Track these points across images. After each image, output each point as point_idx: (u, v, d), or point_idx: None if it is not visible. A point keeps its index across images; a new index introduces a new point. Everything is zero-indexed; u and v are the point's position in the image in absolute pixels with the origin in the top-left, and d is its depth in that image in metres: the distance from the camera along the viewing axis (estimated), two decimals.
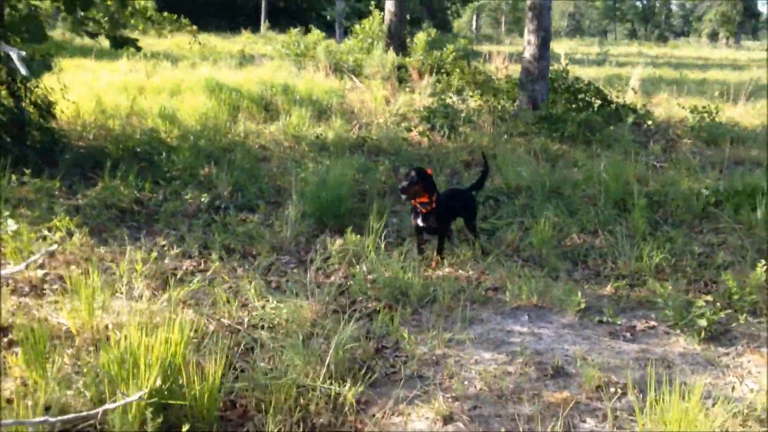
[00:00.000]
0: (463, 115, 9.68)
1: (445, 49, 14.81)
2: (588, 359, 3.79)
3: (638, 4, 74.10)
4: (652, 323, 4.25)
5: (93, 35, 7.57)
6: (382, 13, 15.72)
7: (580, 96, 10.73)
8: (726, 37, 59.76)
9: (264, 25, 38.88)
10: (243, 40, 26.14)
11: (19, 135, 7.02)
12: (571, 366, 3.73)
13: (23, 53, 2.91)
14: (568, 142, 8.99)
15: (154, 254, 4.69)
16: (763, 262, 4.42)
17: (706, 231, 5.82)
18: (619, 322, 4.26)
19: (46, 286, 4.47)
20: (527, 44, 10.48)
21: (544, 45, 10.39)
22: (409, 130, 9.39)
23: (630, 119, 9.76)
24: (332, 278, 4.89)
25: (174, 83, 11.76)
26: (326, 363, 3.45)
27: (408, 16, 17.79)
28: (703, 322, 3.95)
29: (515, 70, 14.40)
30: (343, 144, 8.70)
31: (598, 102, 10.66)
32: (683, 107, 10.80)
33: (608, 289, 4.77)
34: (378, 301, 4.50)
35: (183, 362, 3.15)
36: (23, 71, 2.77)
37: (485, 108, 10.25)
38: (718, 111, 10.23)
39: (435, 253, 5.24)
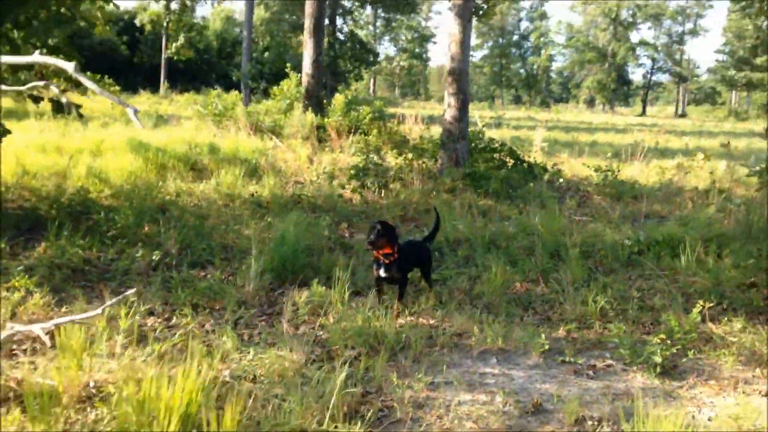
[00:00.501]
0: (392, 173, 10.06)
1: (361, 110, 15.34)
2: (561, 396, 4.10)
3: (522, 71, 78.55)
4: (609, 362, 4.63)
5: (36, 100, 7.45)
6: (299, 75, 16.10)
7: (495, 155, 11.39)
8: (602, 103, 64.27)
9: (164, 85, 38.56)
10: (143, 101, 25.84)
11: None
12: (548, 403, 4.02)
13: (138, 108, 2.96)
14: (492, 198, 9.51)
15: (124, 311, 4.68)
16: (700, 303, 4.91)
17: (634, 278, 6.35)
18: (580, 362, 4.61)
19: (15, 346, 4.37)
20: (448, 107, 11.07)
21: (463, 107, 11.01)
22: (342, 187, 9.67)
23: (545, 177, 10.46)
24: (301, 329, 5.03)
25: (93, 143, 11.56)
26: (329, 407, 3.59)
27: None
28: (657, 359, 4.37)
29: (428, 130, 15.17)
30: (279, 201, 8.85)
31: (511, 161, 11.35)
32: (588, 166, 11.65)
33: (561, 332, 5.13)
34: (353, 349, 4.66)
35: (197, 411, 3.22)
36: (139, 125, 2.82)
37: (409, 166, 10.69)
38: (619, 170, 11.11)
39: (396, 302, 5.47)
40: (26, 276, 5.09)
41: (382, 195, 9.70)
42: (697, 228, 7.28)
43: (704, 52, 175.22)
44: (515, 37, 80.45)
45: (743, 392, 4.17)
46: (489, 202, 9.34)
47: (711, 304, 5.26)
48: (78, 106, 7.19)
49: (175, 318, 5.06)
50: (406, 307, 5.45)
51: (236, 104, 15.79)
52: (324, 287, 5.49)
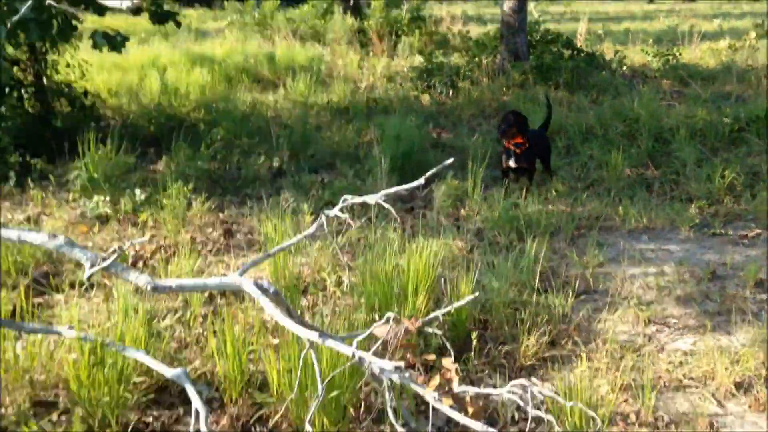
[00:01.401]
0: (461, 71, 10.06)
1: (401, 9, 15.10)
2: (729, 263, 4.36)
3: None
4: (757, 230, 4.88)
5: (136, 12, 7.42)
6: None
7: (554, 48, 11.31)
8: None
9: None
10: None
11: (45, 115, 6.92)
12: (720, 269, 4.29)
13: None
14: (564, 90, 9.54)
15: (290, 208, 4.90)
16: None
17: (742, 155, 6.50)
18: (730, 233, 4.86)
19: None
20: None
21: None
22: (425, 89, 9.65)
23: (614, 65, 10.46)
24: (450, 220, 5.24)
25: (149, 59, 11.50)
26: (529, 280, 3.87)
27: None
28: None
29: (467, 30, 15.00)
30: (357, 107, 8.90)
31: (568, 52, 11.27)
32: (647, 52, 11.57)
33: (692, 209, 5.33)
34: (508, 235, 4.88)
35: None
36: None
37: (471, 64, 10.66)
38: (680, 53, 11.07)
39: (525, 191, 5.66)
40: (183, 184, 5.28)
41: (450, 95, 9.73)
42: None
43: None
44: None
45: None
46: (562, 94, 9.37)
47: None
48: (176, 14, 7.13)
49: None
50: (537, 195, 5.65)
51: (275, 12, 15.53)
52: (457, 180, 5.68)
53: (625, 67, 10.85)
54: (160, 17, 6.97)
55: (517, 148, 5.57)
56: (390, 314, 2.32)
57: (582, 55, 11.21)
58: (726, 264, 4.36)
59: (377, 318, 3.05)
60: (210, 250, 4.72)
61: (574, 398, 2.78)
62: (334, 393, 2.72)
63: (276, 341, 3.26)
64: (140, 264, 4.47)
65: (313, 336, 2.32)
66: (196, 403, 2.44)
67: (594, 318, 3.78)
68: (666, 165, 6.33)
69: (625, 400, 3.02)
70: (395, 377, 2.19)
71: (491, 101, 9.29)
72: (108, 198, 5.25)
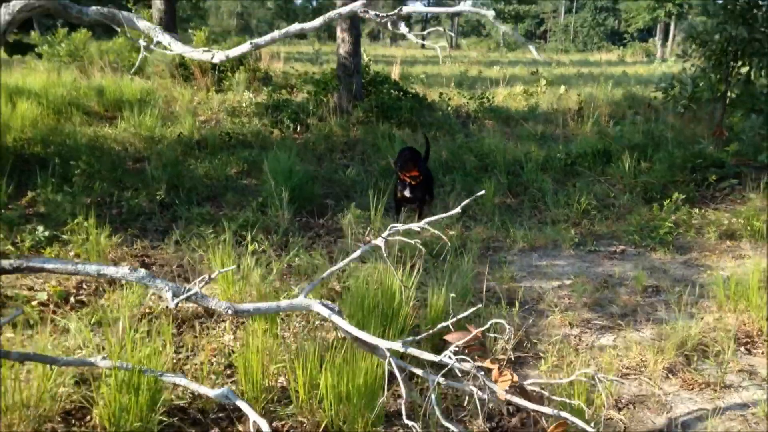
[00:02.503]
0: (311, 108, 10.40)
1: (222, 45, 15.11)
2: (615, 274, 5.13)
3: (308, 6, 78.50)
4: (622, 247, 5.75)
5: None
6: (148, 10, 15.38)
7: (383, 88, 12.08)
8: (389, 38, 66.60)
9: None
10: None
11: None
12: (610, 280, 5.03)
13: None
14: (405, 127, 10.25)
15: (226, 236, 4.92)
16: (675, 194, 6.14)
17: (580, 184, 7.53)
18: (602, 249, 5.68)
19: None
20: (341, 42, 11.48)
21: (356, 42, 11.51)
22: (273, 125, 9.83)
23: (442, 105, 11.42)
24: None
25: None
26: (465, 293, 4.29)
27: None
28: (669, 238, 5.55)
29: (283, 68, 15.41)
30: (215, 141, 8.88)
31: (394, 93, 12.11)
32: (463, 95, 12.77)
33: (571, 230, 6.12)
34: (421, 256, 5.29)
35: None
36: None
37: (313, 101, 11.06)
38: (493, 96, 12.39)
39: (417, 218, 6.13)
40: (83, 218, 5.03)
41: (298, 130, 10.04)
42: (598, 143, 8.60)
43: None
44: None
45: (732, 257, 5.49)
46: (406, 132, 10.05)
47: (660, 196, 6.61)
48: (34, 45, 6.70)
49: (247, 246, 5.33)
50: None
51: (86, 43, 14.75)
52: (359, 210, 5.99)
53: (450, 108, 11.85)
54: (16, 48, 6.53)
55: (412, 180, 6.02)
56: (448, 323, 2.59)
57: (409, 96, 12.07)
58: (613, 275, 5.12)
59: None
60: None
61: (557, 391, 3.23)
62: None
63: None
64: (71, 299, 4.23)
65: (396, 345, 2.52)
66: (254, 416, 2.52)
67: (533, 324, 4.28)
68: (523, 194, 7.15)
69: (592, 387, 3.52)
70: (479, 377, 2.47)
71: (341, 137, 9.71)
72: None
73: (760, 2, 7.28)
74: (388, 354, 2.53)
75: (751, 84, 7.56)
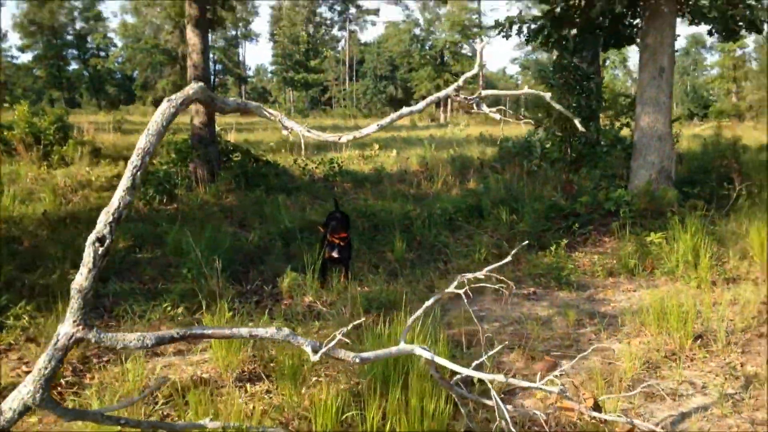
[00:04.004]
0: (176, 179, 10.29)
1: (43, 119, 14.36)
2: (540, 313, 5.85)
3: (85, 73, 75.11)
4: (532, 288, 6.53)
5: None
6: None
7: (235, 156, 12.28)
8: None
9: None
10: None
11: None
12: (542, 317, 5.74)
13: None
14: (273, 193, 10.53)
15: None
16: (561, 241, 7.09)
17: (463, 236, 8.32)
18: (517, 293, 6.41)
19: None
20: (195, 113, 11.56)
21: (210, 113, 11.63)
22: (145, 199, 9.59)
23: (301, 171, 11.85)
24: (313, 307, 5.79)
25: None
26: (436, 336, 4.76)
27: None
28: (573, 278, 6.43)
29: (106, 139, 15.02)
30: (87, 216, 8.54)
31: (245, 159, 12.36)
32: (312, 161, 13.29)
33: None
34: (369, 312, 5.66)
35: None
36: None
37: (173, 171, 10.97)
38: (342, 161, 13.07)
39: (343, 278, 6.49)
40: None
41: (164, 201, 9.92)
42: (466, 199, 9.55)
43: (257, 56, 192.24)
44: (69, 38, 76.27)
45: (621, 291, 6.49)
46: (280, 198, 10.30)
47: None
48: None
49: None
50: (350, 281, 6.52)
51: None
52: (295, 273, 6.22)
53: (307, 174, 12.30)
54: None
55: (341, 242, 6.38)
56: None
57: (261, 163, 12.38)
58: (538, 313, 5.84)
59: None
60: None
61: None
62: None
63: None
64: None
65: (500, 377, 2.93)
66: None
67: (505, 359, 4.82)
68: (419, 248, 7.77)
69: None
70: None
71: (214, 205, 9.75)
72: None
73: (590, 76, 8.71)
74: (490, 385, 2.93)
75: (595, 145, 8.95)
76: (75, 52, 75.40)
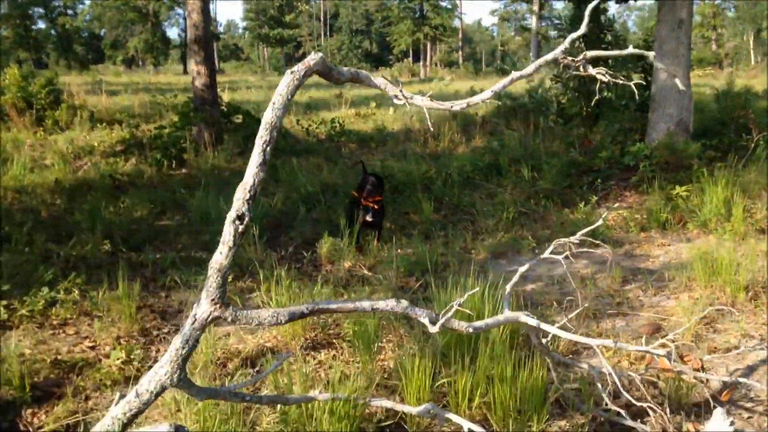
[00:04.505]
0: (184, 144, 10.10)
1: (33, 82, 13.98)
2: (579, 270, 5.88)
3: (52, 32, 73.03)
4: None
5: None
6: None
7: (236, 117, 12.07)
8: (153, 64, 64.21)
9: None
10: None
11: None
12: (583, 275, 5.77)
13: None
14: (285, 155, 10.38)
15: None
16: (593, 196, 7.08)
17: (484, 196, 8.29)
18: (556, 250, 6.41)
19: None
20: (197, 75, 11.30)
21: (212, 74, 11.40)
22: (155, 162, 9.42)
23: (304, 132, 11.70)
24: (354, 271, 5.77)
25: None
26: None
27: None
28: (607, 235, 6.46)
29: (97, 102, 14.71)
30: (102, 185, 8.39)
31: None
32: (314, 122, 13.09)
33: (506, 237, 6.80)
34: (411, 275, 5.66)
35: None
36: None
37: (174, 135, 10.75)
38: (343, 121, 12.91)
39: (376, 241, 6.46)
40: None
41: (173, 166, 9.77)
42: (483, 157, 9.49)
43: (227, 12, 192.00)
44: None
45: (656, 246, 6.54)
46: (294, 161, 10.16)
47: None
48: None
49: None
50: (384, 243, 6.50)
51: None
52: (332, 238, 6.18)
53: (311, 135, 12.13)
54: None
55: (375, 206, 6.33)
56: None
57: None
58: (578, 273, 5.86)
59: None
60: None
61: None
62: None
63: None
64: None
65: (608, 342, 2.93)
66: (467, 424, 2.83)
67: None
68: (443, 209, 7.75)
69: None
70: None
71: (226, 169, 9.62)
72: None
73: (607, 28, 8.65)
74: (599, 351, 2.94)
75: (614, 100, 8.93)
76: (41, 10, 73.05)
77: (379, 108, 15.80)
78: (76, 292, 4.83)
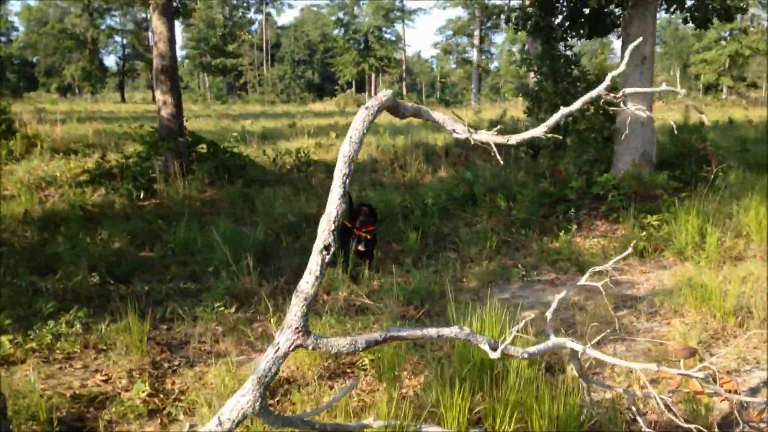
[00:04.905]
0: (153, 174, 9.95)
1: None
2: (572, 299, 6.05)
3: None
4: (553, 275, 6.72)
5: None
6: None
7: (199, 148, 11.95)
8: (90, 92, 62.75)
9: None
10: None
11: None
12: (574, 302, 5.94)
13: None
14: (255, 186, 10.34)
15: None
16: (573, 226, 7.32)
17: (461, 225, 8.45)
18: (541, 279, 6.59)
19: None
20: (163, 104, 11.17)
21: (178, 104, 11.30)
22: (127, 194, 9.24)
23: (271, 162, 11.69)
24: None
25: None
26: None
27: None
28: (591, 262, 6.67)
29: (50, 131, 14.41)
30: (73, 216, 8.19)
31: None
32: (276, 152, 13.03)
33: (492, 265, 6.94)
34: (410, 304, 5.73)
35: None
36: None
37: (139, 166, 10.57)
38: (308, 150, 12.93)
39: (368, 270, 6.51)
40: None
41: (142, 197, 9.61)
42: (455, 186, 9.67)
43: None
44: None
45: (638, 272, 6.77)
46: (252, 190, 10.13)
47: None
48: None
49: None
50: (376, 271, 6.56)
51: None
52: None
53: (276, 165, 12.09)
54: None
55: (368, 235, 6.39)
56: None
57: (229, 155, 12.09)
58: (570, 300, 6.03)
59: None
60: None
61: None
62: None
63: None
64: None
65: (651, 366, 3.06)
66: None
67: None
68: (423, 238, 7.86)
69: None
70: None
71: (197, 199, 9.52)
72: None
73: (576, 63, 9.00)
74: (641, 374, 3.06)
75: (585, 132, 9.25)
76: None
77: (338, 138, 15.86)
78: (78, 325, 4.71)
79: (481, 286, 6.36)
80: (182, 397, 4.02)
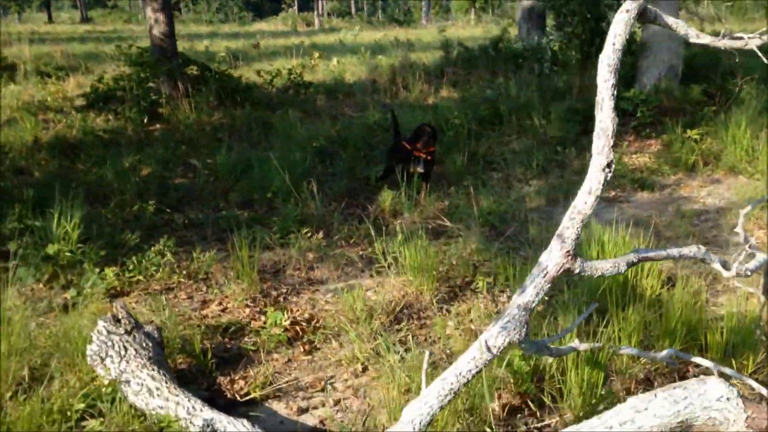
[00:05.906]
0: (155, 97, 9.39)
1: None
2: (641, 214, 5.99)
3: None
4: (613, 193, 6.61)
5: None
6: None
7: (189, 69, 11.33)
8: (18, 12, 58.99)
9: None
10: None
11: None
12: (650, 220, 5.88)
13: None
14: (260, 109, 9.88)
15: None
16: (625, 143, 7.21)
17: (513, 139, 8.25)
18: (606, 195, 6.49)
19: None
20: (154, 23, 10.47)
21: (170, 22, 10.61)
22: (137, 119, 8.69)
23: (278, 83, 11.19)
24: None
25: None
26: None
27: None
28: (651, 180, 6.61)
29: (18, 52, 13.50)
30: (93, 143, 7.70)
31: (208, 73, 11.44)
32: (266, 71, 12.44)
33: (541, 184, 6.83)
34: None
35: None
36: None
37: (138, 87, 9.95)
38: (301, 71, 12.39)
39: (423, 192, 6.31)
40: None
41: (146, 121, 9.08)
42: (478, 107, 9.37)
43: None
44: None
45: (697, 187, 6.76)
46: (263, 113, 9.69)
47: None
48: None
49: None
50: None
51: None
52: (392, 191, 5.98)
53: (274, 87, 11.57)
54: None
55: (428, 156, 6.16)
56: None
57: (222, 76, 11.50)
58: (640, 216, 5.95)
59: None
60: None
61: None
62: None
63: None
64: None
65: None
66: (706, 362, 2.85)
67: None
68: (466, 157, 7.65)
69: None
70: None
71: (208, 123, 9.08)
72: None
73: None
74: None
75: None
76: None
77: (320, 59, 15.26)
78: (169, 254, 4.42)
79: (545, 205, 6.25)
80: (316, 325, 3.83)
